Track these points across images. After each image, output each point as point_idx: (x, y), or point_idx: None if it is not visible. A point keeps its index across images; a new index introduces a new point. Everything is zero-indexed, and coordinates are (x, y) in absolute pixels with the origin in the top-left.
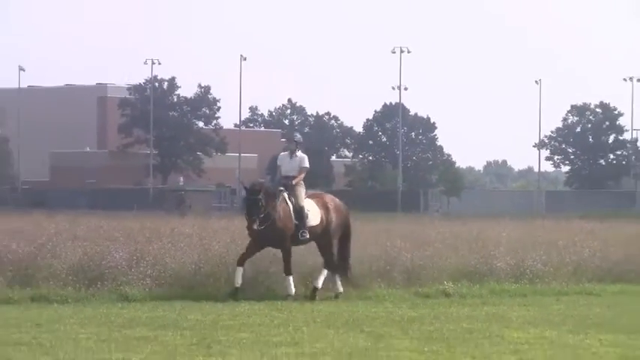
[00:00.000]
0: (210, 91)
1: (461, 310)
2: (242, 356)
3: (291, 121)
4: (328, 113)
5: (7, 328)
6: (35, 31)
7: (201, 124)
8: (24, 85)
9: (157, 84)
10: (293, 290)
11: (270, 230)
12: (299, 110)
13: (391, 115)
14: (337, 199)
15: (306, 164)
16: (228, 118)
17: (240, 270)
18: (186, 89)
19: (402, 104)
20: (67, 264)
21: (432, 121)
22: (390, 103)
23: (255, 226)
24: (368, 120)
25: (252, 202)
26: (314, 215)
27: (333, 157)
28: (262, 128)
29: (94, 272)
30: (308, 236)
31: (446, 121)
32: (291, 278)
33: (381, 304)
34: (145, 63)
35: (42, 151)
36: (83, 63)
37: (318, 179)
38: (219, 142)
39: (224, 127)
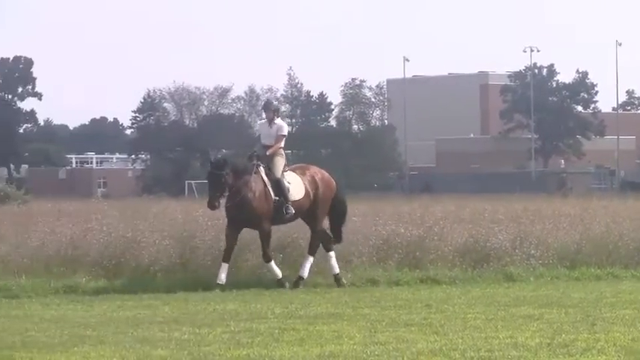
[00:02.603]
0: (588, 76)
1: None
2: (625, 332)
3: None
4: None
5: (398, 309)
6: (420, 23)
7: (579, 108)
8: (409, 75)
9: (536, 70)
10: (279, 273)
11: (245, 210)
12: None
13: None
14: (324, 171)
15: (284, 132)
16: (605, 101)
17: (225, 266)
18: (565, 75)
19: None
20: (454, 246)
21: None
22: None
23: (216, 204)
24: None
25: (213, 177)
26: (297, 188)
27: None
28: (639, 111)
29: (479, 253)
30: (293, 211)
31: None
32: (272, 263)
33: None
34: (524, 51)
35: (428, 138)
36: (465, 52)
37: None
38: (597, 126)
39: (602, 111)
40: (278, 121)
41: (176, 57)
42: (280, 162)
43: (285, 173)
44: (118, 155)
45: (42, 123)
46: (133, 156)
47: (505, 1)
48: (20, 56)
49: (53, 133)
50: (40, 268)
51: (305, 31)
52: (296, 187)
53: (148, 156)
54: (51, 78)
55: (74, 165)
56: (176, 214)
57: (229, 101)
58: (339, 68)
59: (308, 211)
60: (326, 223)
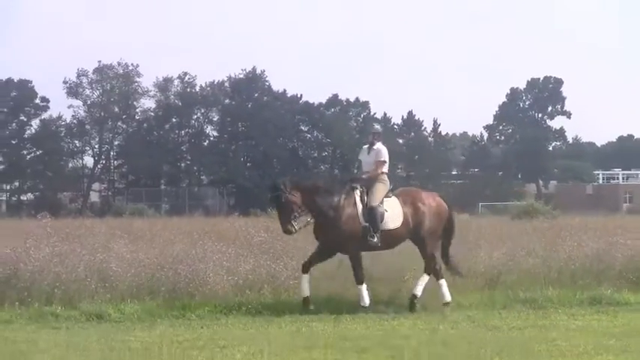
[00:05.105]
0: None
1: None
2: None
3: None
4: None
5: None
6: None
7: None
8: None
9: None
10: (367, 301)
11: (329, 233)
12: None
13: None
14: (434, 196)
15: (382, 157)
16: None
17: (305, 278)
18: None
19: None
20: None
21: None
22: None
23: (289, 227)
24: None
25: (273, 200)
26: (394, 216)
27: None
28: None
29: None
30: (376, 241)
31: None
32: (363, 287)
33: None
34: None
35: None
36: None
37: None
38: None
39: None
40: (378, 145)
41: None
42: (380, 189)
43: (385, 199)
44: None
45: (570, 141)
46: None
47: None
48: (550, 76)
49: (581, 150)
50: (566, 280)
51: None
52: (393, 215)
53: None
54: (580, 97)
55: (601, 181)
56: None
57: None
58: None
59: (412, 239)
60: None
